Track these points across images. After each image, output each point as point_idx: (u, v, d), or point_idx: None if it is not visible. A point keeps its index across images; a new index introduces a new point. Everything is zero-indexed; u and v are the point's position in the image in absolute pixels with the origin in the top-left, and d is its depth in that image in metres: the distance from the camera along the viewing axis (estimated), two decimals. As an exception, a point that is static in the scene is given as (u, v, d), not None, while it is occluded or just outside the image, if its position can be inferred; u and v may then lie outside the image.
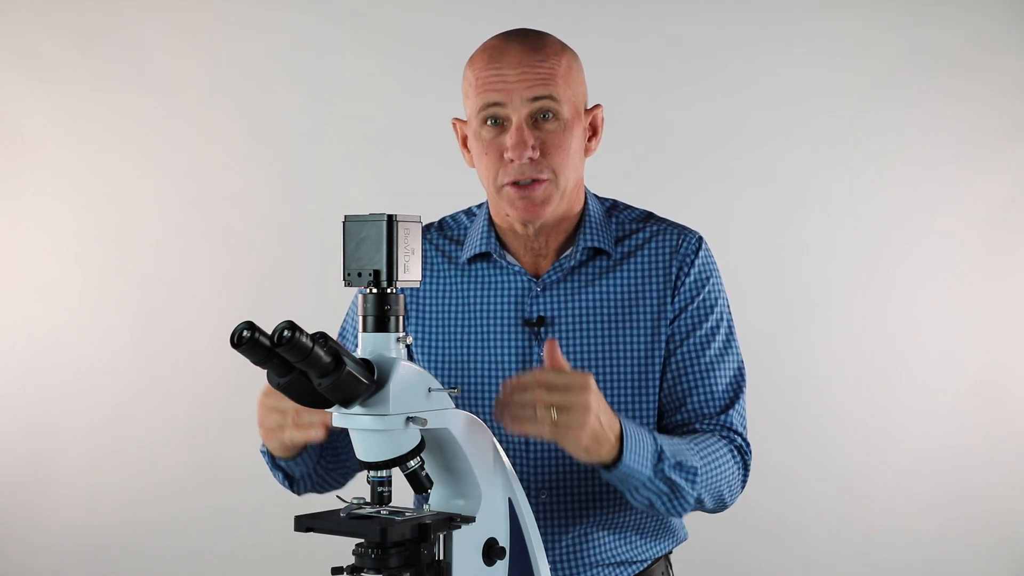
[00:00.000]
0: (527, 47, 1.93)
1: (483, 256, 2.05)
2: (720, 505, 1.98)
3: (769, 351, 4.01)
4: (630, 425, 1.79)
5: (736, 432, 2.00)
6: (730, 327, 2.06)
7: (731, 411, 2.01)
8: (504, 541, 1.73)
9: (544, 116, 1.92)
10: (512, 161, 1.92)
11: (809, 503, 4.06)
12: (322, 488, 2.01)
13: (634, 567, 2.05)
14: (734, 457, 1.97)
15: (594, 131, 2.03)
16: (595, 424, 1.70)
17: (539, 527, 1.93)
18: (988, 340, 4.07)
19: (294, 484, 1.99)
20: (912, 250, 4.08)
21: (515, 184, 1.93)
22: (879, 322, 4.08)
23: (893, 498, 4.06)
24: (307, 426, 1.76)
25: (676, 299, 2.01)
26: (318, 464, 1.95)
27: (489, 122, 1.93)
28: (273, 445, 1.84)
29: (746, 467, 2.01)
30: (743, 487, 2.02)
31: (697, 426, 1.99)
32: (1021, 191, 4.07)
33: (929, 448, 4.06)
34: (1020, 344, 4.07)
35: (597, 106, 2.03)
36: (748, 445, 2.01)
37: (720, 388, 2.01)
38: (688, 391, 2.00)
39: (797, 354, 4.08)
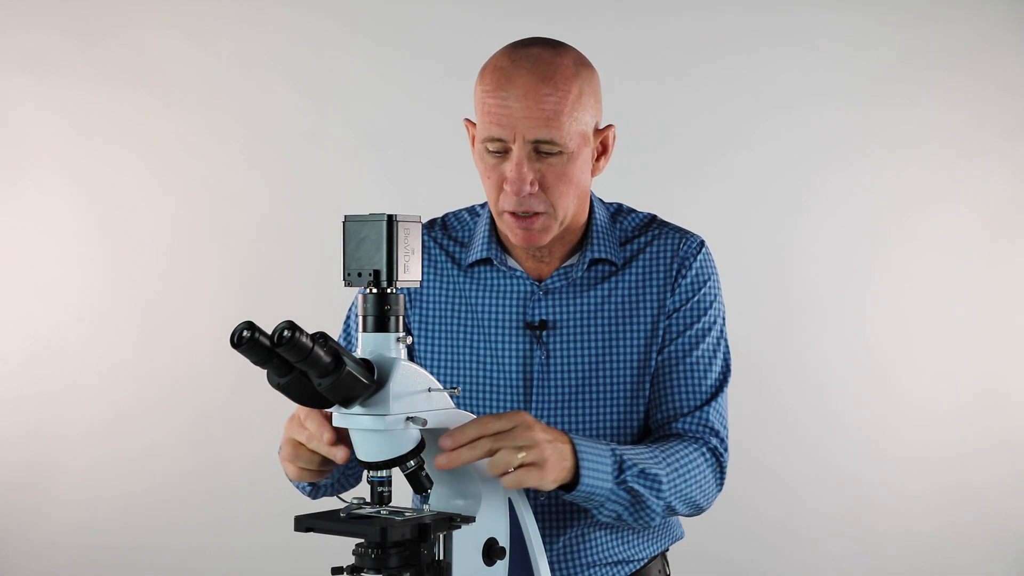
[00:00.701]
0: (536, 76, 1.87)
1: (485, 260, 2.05)
2: (695, 510, 1.98)
3: (768, 353, 4.01)
4: (583, 441, 1.79)
5: (713, 431, 1.99)
6: (721, 332, 2.06)
7: (709, 408, 2.00)
8: (504, 541, 1.73)
9: (547, 151, 1.89)
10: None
11: (807, 505, 4.06)
12: (341, 490, 2.01)
13: (631, 566, 2.05)
14: (707, 460, 1.96)
15: (604, 150, 2.00)
16: (552, 453, 1.71)
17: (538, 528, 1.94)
18: (988, 342, 4.07)
19: (316, 491, 1.99)
20: (913, 248, 4.07)
21: (513, 213, 1.93)
22: (879, 323, 4.08)
23: (891, 501, 4.06)
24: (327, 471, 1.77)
25: (673, 298, 2.02)
26: (343, 475, 1.97)
27: (491, 148, 1.91)
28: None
29: (722, 469, 2.00)
30: (719, 489, 2.01)
31: (676, 425, 1.99)
32: (1022, 189, 4.07)
33: (928, 451, 4.06)
34: (1020, 347, 4.07)
35: (609, 126, 1.99)
36: (724, 445, 2.00)
37: (703, 388, 2.01)
38: (671, 388, 2.00)
39: (796, 356, 4.08)
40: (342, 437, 1.69)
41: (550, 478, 1.71)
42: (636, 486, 1.82)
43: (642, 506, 1.85)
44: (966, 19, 4.04)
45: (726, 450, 2.00)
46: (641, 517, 1.87)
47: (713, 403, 2.01)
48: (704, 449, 1.97)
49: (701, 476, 1.94)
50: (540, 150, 1.88)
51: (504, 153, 1.90)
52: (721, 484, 2.01)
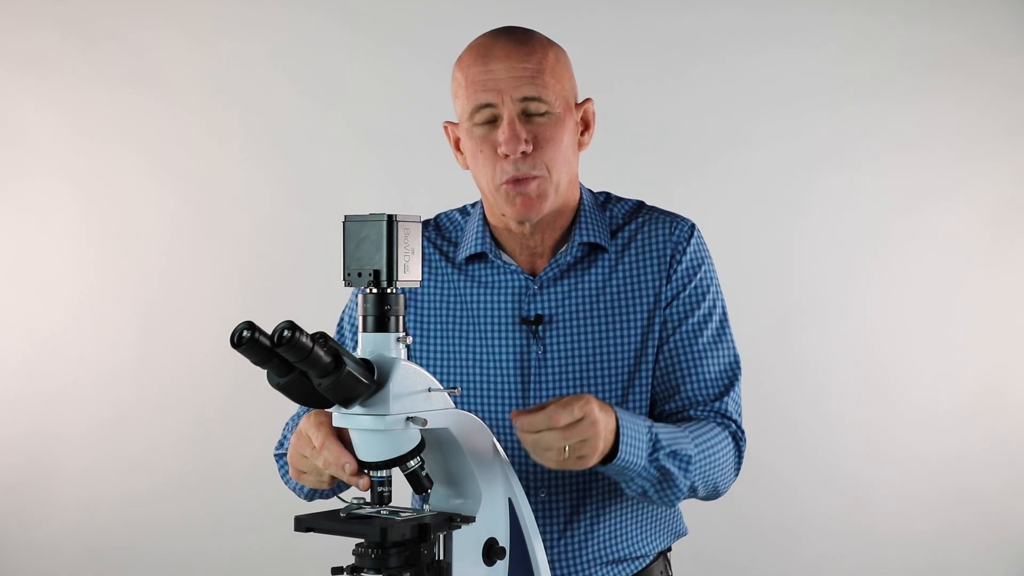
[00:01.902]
0: (514, 43, 1.93)
1: (479, 256, 2.05)
2: (713, 493, 1.98)
3: (768, 352, 4.01)
4: (625, 416, 1.80)
5: (731, 419, 2.00)
6: (724, 313, 2.07)
7: (726, 398, 2.01)
8: (504, 541, 1.73)
9: (535, 111, 1.92)
10: (507, 156, 1.92)
11: (808, 505, 4.06)
12: (338, 492, 2.01)
13: (632, 564, 2.05)
14: (732, 446, 1.98)
15: (586, 125, 2.03)
16: (604, 443, 1.73)
17: (538, 526, 1.94)
18: (988, 343, 4.07)
19: (312, 493, 1.99)
20: (913, 249, 4.08)
21: (510, 181, 1.93)
22: (879, 323, 4.08)
23: (891, 501, 4.06)
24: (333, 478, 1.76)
25: (670, 286, 2.02)
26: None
27: (480, 120, 1.93)
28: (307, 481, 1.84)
29: (740, 455, 2.01)
30: (737, 475, 2.02)
31: (692, 413, 1.99)
32: (1022, 189, 4.07)
33: (928, 451, 4.06)
34: (1020, 347, 4.07)
35: (588, 100, 2.03)
36: (743, 433, 2.02)
37: (714, 374, 2.01)
38: (682, 378, 2.00)
39: (797, 355, 4.08)
40: (349, 445, 1.69)
41: (590, 464, 1.74)
42: (667, 464, 1.84)
43: (670, 484, 1.86)
44: (967, 20, 4.04)
45: (745, 438, 2.02)
46: (667, 495, 1.88)
47: (731, 393, 2.02)
48: (727, 432, 1.98)
49: (725, 459, 1.96)
50: (528, 111, 1.91)
51: (493, 121, 1.92)
52: (738, 471, 2.02)
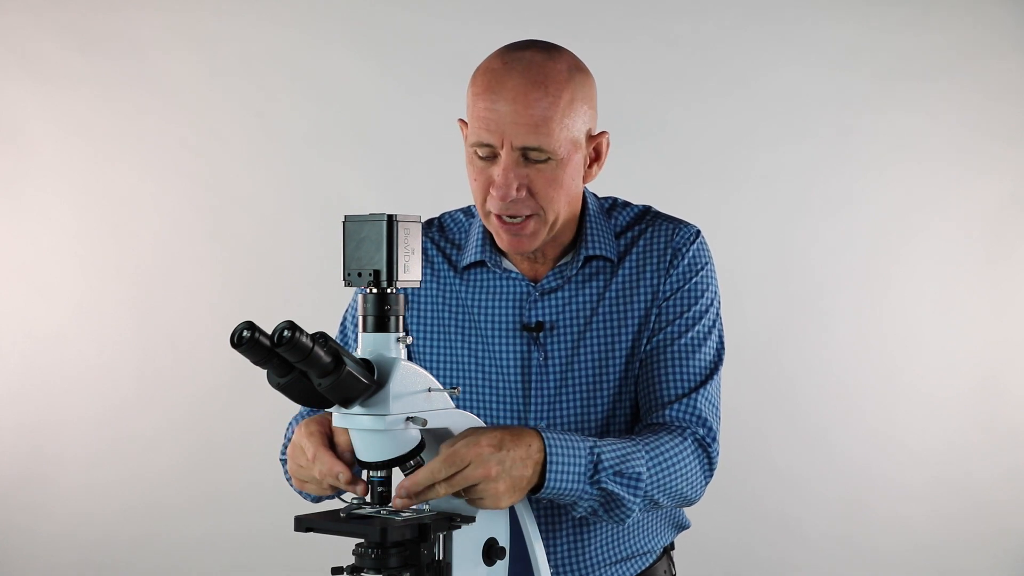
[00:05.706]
0: (527, 80, 1.85)
1: (480, 263, 2.04)
2: (683, 502, 1.94)
3: (774, 347, 4.02)
4: (558, 440, 1.76)
5: (701, 419, 1.95)
6: (714, 322, 2.03)
7: (698, 395, 1.96)
8: (504, 541, 1.73)
9: (535, 158, 1.87)
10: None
11: (810, 496, 4.08)
12: (340, 494, 1.99)
13: (635, 562, 2.04)
14: (694, 452, 1.92)
15: (597, 156, 1.97)
16: (506, 485, 1.69)
17: (541, 528, 1.93)
18: (987, 338, 4.09)
19: (318, 497, 1.97)
20: (913, 250, 4.09)
21: (500, 218, 1.91)
22: (881, 320, 4.10)
23: (893, 491, 4.08)
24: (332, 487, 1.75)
25: (666, 284, 1.99)
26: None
27: (480, 153, 1.89)
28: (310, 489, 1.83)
29: (710, 460, 1.96)
30: (708, 480, 1.97)
31: (665, 413, 1.95)
32: (1020, 192, 4.09)
33: (928, 443, 4.09)
34: (1018, 342, 4.09)
35: (603, 133, 1.96)
36: (712, 435, 1.96)
37: (692, 374, 1.97)
38: (660, 374, 1.97)
39: (801, 351, 4.09)
40: (347, 461, 1.68)
41: (503, 504, 1.70)
42: (610, 486, 1.79)
43: (616, 504, 1.81)
44: (962, 27, 4.06)
45: (714, 440, 1.96)
46: (616, 515, 1.83)
47: (702, 391, 1.97)
48: (691, 440, 1.92)
49: (687, 468, 1.90)
50: (528, 156, 1.86)
51: (493, 158, 1.88)
52: (710, 474, 1.97)
